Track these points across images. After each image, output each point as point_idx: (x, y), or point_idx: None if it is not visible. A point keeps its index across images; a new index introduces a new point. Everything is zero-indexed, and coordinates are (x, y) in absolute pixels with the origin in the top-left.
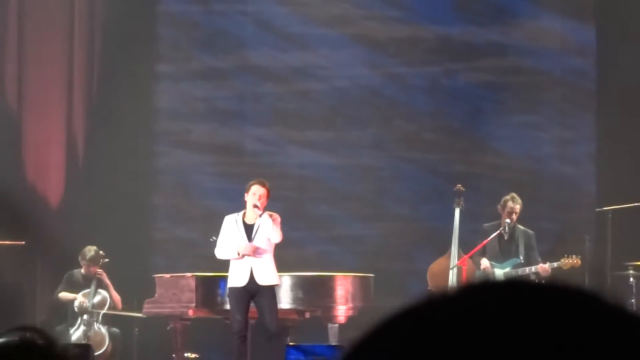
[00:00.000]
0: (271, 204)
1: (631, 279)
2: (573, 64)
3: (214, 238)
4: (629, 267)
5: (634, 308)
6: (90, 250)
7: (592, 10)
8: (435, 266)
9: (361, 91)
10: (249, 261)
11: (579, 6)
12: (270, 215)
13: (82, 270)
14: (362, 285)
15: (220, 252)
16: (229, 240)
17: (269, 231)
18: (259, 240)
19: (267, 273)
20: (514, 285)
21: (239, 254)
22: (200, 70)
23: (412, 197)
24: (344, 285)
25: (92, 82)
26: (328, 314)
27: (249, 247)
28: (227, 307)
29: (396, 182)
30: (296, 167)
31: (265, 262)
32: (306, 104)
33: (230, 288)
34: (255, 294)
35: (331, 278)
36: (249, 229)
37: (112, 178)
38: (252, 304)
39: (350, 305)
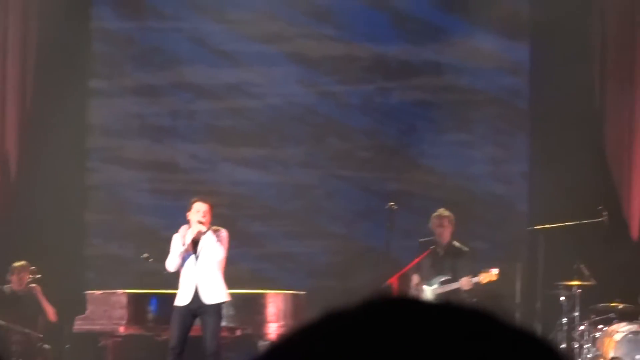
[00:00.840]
0: None
1: (562, 298)
2: (507, 83)
3: (147, 255)
4: (560, 287)
5: (564, 327)
6: (19, 262)
7: (526, 29)
8: None
9: (295, 109)
10: (195, 278)
11: (513, 25)
12: (216, 231)
13: (12, 286)
14: (294, 303)
15: (168, 262)
16: (178, 251)
17: (214, 247)
18: (204, 256)
19: (213, 290)
20: (406, 304)
21: (184, 244)
22: (134, 87)
23: (345, 215)
24: (275, 303)
25: (26, 97)
26: (259, 331)
27: (188, 231)
28: (159, 323)
29: (329, 200)
30: (229, 184)
31: (211, 279)
32: (240, 121)
33: (174, 306)
34: (200, 312)
35: (263, 296)
36: (194, 245)
37: (44, 194)
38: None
39: (282, 323)
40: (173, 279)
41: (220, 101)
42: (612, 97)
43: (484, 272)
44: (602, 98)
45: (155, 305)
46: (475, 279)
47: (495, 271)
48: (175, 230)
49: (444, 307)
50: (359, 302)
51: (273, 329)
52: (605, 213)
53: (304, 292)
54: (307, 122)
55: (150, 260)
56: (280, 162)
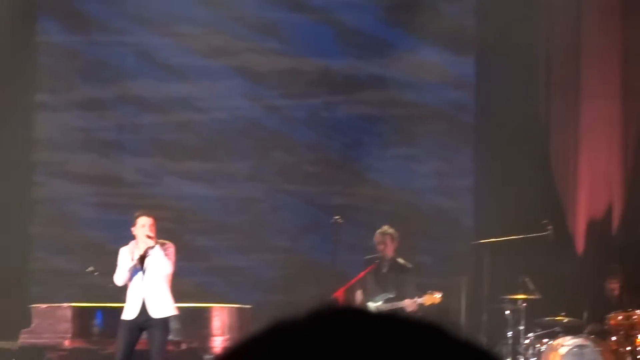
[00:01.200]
0: None
1: (507, 312)
2: (452, 97)
3: (92, 268)
4: (505, 300)
5: (509, 341)
6: None
7: (471, 43)
8: None
9: (241, 123)
10: (142, 292)
11: (458, 40)
12: (163, 245)
13: None
14: (240, 317)
15: (116, 277)
16: (125, 265)
17: (161, 261)
18: (152, 270)
19: (160, 304)
20: (354, 315)
21: (133, 259)
22: (80, 101)
23: (291, 229)
24: (220, 317)
25: None
26: (205, 345)
27: (137, 246)
28: (104, 337)
29: (275, 214)
30: (175, 198)
31: (159, 293)
32: (186, 134)
33: (121, 320)
34: (147, 326)
35: (208, 309)
36: (141, 260)
37: None
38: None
39: (227, 336)
40: (118, 293)
41: (166, 115)
42: (557, 111)
43: (429, 294)
44: (547, 112)
45: (100, 319)
46: (419, 300)
47: (438, 295)
48: (121, 244)
49: (391, 318)
50: (307, 312)
51: (218, 343)
52: (550, 227)
53: (250, 306)
54: (253, 136)
55: (95, 273)
56: (226, 176)
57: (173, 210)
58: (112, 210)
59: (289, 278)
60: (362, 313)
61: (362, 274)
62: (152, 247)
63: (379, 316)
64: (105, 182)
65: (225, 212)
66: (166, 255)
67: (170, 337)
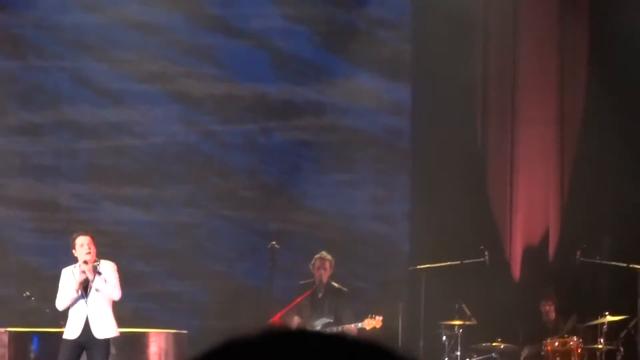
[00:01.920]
0: None
1: (444, 338)
2: (389, 123)
3: (28, 293)
4: (442, 326)
5: None
6: None
7: (408, 69)
8: None
9: (177, 148)
10: (85, 311)
11: (395, 66)
12: (104, 264)
13: None
14: (176, 342)
15: (60, 302)
16: (67, 290)
17: (106, 278)
18: (95, 292)
19: (104, 324)
20: (306, 335)
21: (77, 283)
22: (16, 125)
23: (227, 254)
24: (157, 342)
25: None
26: None
27: (84, 267)
28: None
29: (212, 239)
30: (112, 223)
31: (102, 313)
32: (122, 160)
33: (63, 339)
34: (89, 346)
35: (145, 335)
36: (85, 280)
37: None
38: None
39: None
40: (54, 318)
41: (103, 140)
42: (493, 137)
43: (369, 318)
44: (483, 138)
45: (37, 344)
46: (360, 325)
47: (379, 318)
48: (57, 269)
49: (343, 337)
50: (259, 331)
51: None
52: (486, 253)
53: (186, 332)
54: (189, 161)
55: (32, 298)
56: (162, 201)
57: (109, 235)
58: (48, 235)
59: (225, 303)
60: (316, 335)
61: (299, 299)
62: (94, 268)
63: (331, 336)
64: (41, 207)
65: (161, 238)
66: (108, 274)
67: None
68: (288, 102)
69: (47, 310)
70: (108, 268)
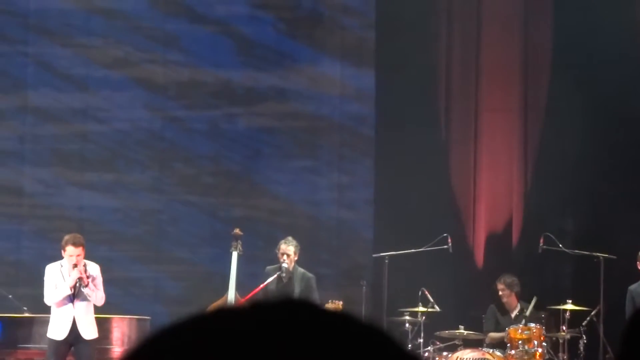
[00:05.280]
0: (49, 245)
1: (407, 325)
2: (352, 110)
3: None
4: (405, 313)
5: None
6: None
7: (372, 56)
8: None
9: (141, 134)
10: (72, 313)
11: (359, 52)
12: (90, 268)
13: None
14: (139, 328)
15: (50, 298)
16: (55, 285)
17: (96, 284)
18: (82, 294)
19: (91, 325)
20: (292, 305)
21: (65, 282)
22: None
23: (190, 240)
24: (120, 327)
25: None
26: (104, 356)
27: (75, 273)
28: (3, 347)
29: (175, 225)
30: (75, 209)
31: (89, 314)
32: (86, 145)
33: (49, 339)
34: (76, 342)
35: (107, 320)
36: (77, 281)
37: None
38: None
39: (127, 347)
40: (18, 304)
41: (66, 125)
42: (457, 123)
43: (330, 303)
44: (447, 125)
45: (0, 329)
46: None
47: (339, 303)
48: (21, 255)
49: (341, 315)
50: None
51: (117, 354)
52: (449, 240)
53: (149, 318)
54: (153, 147)
55: None
56: (126, 187)
57: (73, 221)
58: (11, 221)
59: (189, 289)
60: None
61: (263, 285)
62: (81, 278)
63: (311, 305)
64: (4, 192)
65: (125, 223)
66: (95, 279)
67: None
68: (252, 89)
69: (10, 297)
70: (97, 273)
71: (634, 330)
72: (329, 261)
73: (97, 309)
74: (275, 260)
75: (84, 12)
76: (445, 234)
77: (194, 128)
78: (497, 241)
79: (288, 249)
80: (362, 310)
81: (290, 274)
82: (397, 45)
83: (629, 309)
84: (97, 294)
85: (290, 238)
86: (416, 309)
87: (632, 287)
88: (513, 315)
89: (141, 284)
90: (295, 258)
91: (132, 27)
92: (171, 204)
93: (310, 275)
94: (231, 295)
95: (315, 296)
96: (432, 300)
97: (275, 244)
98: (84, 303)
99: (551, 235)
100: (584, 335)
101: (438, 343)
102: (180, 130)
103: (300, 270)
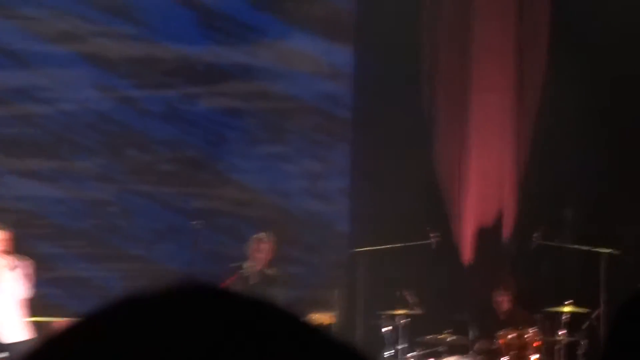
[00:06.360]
0: None
1: (385, 329)
2: (327, 90)
3: None
4: (383, 316)
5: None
6: None
7: (350, 30)
8: None
9: (89, 116)
10: None
11: (335, 26)
12: (20, 261)
13: None
14: None
15: None
16: None
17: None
18: (6, 292)
19: (16, 326)
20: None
21: None
22: None
23: (144, 235)
24: None
25: None
26: None
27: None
28: None
29: (127, 218)
30: (14, 200)
31: (13, 314)
32: (27, 129)
33: None
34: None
35: (49, 325)
36: None
37: None
38: None
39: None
40: None
41: (5, 106)
42: (443, 106)
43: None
44: (431, 107)
45: None
46: None
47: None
48: None
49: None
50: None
51: None
52: (433, 234)
53: None
54: (103, 130)
55: None
56: (71, 175)
57: (11, 213)
58: None
59: (142, 289)
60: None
61: (224, 284)
62: (8, 267)
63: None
64: None
65: (70, 216)
66: (23, 276)
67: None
68: (214, 66)
69: None
70: (25, 267)
71: (623, 321)
72: (299, 258)
73: (38, 311)
74: (239, 256)
75: None
76: (428, 227)
77: (149, 110)
78: (487, 235)
79: (260, 247)
80: (335, 313)
81: (258, 275)
82: (377, 17)
83: None
84: (23, 285)
85: (263, 234)
86: (395, 312)
87: None
88: (504, 319)
89: (89, 283)
90: (269, 257)
91: None
92: (123, 195)
93: (279, 276)
94: None
95: (282, 299)
96: (413, 301)
97: (239, 238)
98: (8, 302)
99: (547, 228)
100: (581, 342)
101: (420, 349)
102: (134, 112)
103: (269, 270)
